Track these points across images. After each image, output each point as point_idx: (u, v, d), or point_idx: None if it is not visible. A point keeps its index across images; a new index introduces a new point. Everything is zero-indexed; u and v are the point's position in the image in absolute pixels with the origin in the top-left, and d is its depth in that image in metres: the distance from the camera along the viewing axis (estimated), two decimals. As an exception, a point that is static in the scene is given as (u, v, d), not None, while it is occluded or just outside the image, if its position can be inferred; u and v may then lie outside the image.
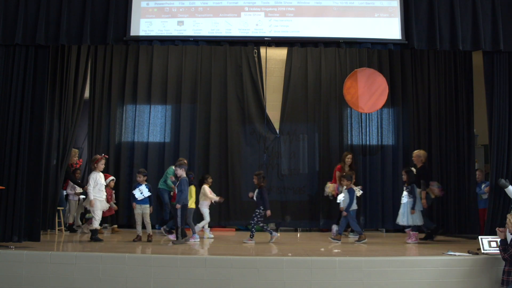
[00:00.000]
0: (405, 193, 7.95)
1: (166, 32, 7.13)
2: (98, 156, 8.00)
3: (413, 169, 8.17)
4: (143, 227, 7.79)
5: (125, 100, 10.35)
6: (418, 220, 7.85)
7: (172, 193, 8.67)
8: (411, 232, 7.87)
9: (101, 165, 7.87)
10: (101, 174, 7.86)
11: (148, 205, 7.71)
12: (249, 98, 10.40)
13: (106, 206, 7.91)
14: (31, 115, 6.85)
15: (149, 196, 7.74)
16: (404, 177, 8.08)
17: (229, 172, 10.14)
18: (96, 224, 7.62)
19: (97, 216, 7.63)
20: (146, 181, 7.96)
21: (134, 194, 7.72)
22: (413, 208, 7.78)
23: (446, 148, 9.05)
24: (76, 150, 9.33)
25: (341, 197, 8.13)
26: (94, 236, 7.54)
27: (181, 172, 7.58)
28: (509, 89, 7.09)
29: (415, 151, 8.68)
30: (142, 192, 7.65)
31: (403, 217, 7.88)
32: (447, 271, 5.91)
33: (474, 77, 8.55)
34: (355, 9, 7.15)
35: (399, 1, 7.09)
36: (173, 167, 8.98)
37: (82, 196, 8.89)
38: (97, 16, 6.94)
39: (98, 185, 7.71)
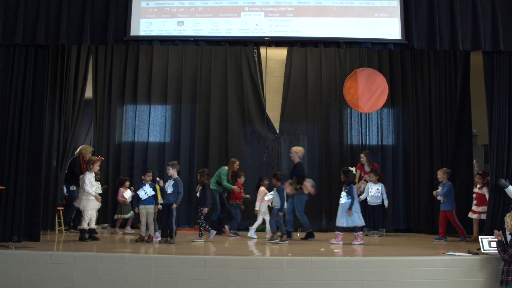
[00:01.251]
0: (343, 193, 7.75)
1: (166, 32, 7.12)
2: (95, 158, 8.05)
3: (352, 169, 8.02)
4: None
5: (125, 100, 10.36)
6: (358, 221, 7.65)
7: (226, 193, 8.97)
8: (356, 233, 7.65)
9: (97, 166, 7.93)
10: (93, 175, 7.89)
11: (152, 205, 7.68)
12: (249, 98, 10.41)
13: (97, 205, 7.90)
14: (31, 115, 6.84)
15: (153, 196, 7.71)
16: (342, 177, 7.92)
17: (229, 172, 10.15)
18: (84, 224, 7.62)
19: (87, 217, 7.64)
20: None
21: (138, 194, 7.67)
22: (349, 209, 7.60)
23: (446, 148, 9.06)
24: (91, 148, 9.19)
25: (269, 195, 7.93)
26: (82, 236, 7.55)
27: (173, 172, 7.57)
28: (509, 89, 7.08)
29: (293, 147, 8.73)
30: (146, 192, 7.63)
31: (341, 218, 7.66)
32: (447, 271, 5.91)
33: (473, 77, 8.56)
34: (355, 9, 7.15)
35: (399, 1, 7.08)
36: (226, 167, 9.15)
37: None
38: (97, 16, 6.94)
39: (93, 186, 7.76)
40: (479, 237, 6.44)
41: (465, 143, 8.70)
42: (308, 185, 8.20)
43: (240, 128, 10.40)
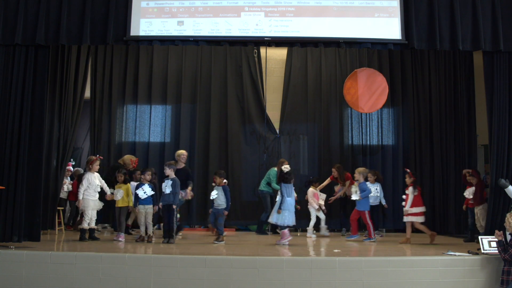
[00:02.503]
0: (279, 192, 7.70)
1: (166, 32, 7.12)
2: (93, 157, 8.04)
3: (287, 166, 7.87)
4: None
5: (126, 100, 10.38)
6: (286, 220, 7.52)
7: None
8: (281, 231, 7.58)
9: (96, 166, 7.89)
10: (96, 175, 7.87)
11: (151, 205, 7.67)
12: (249, 98, 10.42)
13: (99, 205, 7.89)
14: (31, 115, 6.84)
15: (152, 196, 7.70)
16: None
17: (229, 172, 10.14)
18: (85, 224, 7.64)
19: (87, 216, 7.64)
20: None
21: (137, 194, 7.64)
22: (280, 207, 7.52)
23: (446, 148, 9.06)
24: (135, 158, 9.08)
25: (214, 194, 7.81)
26: (82, 236, 7.56)
27: (170, 172, 7.57)
28: (509, 89, 7.08)
29: (178, 151, 8.74)
30: (145, 191, 7.62)
31: (272, 216, 7.62)
32: (447, 271, 5.91)
33: (474, 77, 8.55)
34: (355, 9, 7.15)
35: (399, 1, 7.08)
36: (275, 168, 9.27)
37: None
38: (97, 16, 6.94)
39: (93, 186, 7.72)
40: (479, 237, 6.43)
41: (467, 143, 8.67)
42: (188, 190, 8.29)
43: (240, 128, 10.41)
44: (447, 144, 9.03)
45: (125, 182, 7.96)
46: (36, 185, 6.82)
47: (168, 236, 7.43)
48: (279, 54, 10.53)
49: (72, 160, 9.98)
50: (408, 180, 8.01)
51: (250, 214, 9.94)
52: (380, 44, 7.20)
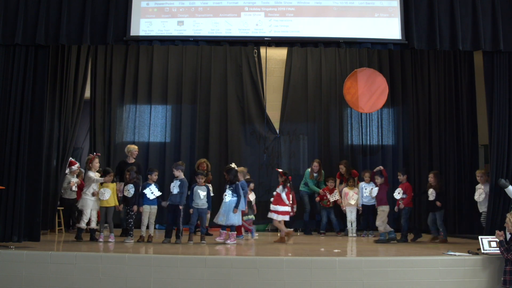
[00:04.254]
0: (228, 191, 7.52)
1: (166, 32, 7.13)
2: (91, 156, 8.02)
3: (232, 165, 7.79)
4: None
5: (125, 100, 10.37)
6: (236, 220, 7.48)
7: (317, 195, 9.31)
8: (230, 232, 7.46)
9: (96, 163, 7.86)
10: (95, 173, 7.82)
11: (156, 205, 7.68)
12: (249, 98, 10.42)
13: (98, 205, 7.86)
14: (31, 115, 6.84)
15: (158, 196, 7.66)
16: (226, 176, 7.69)
17: (229, 172, 10.13)
18: (82, 224, 7.64)
19: (85, 216, 7.63)
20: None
21: (145, 194, 7.60)
22: (236, 207, 7.42)
23: (445, 148, 9.05)
24: (203, 160, 8.98)
25: (202, 194, 7.61)
26: (78, 235, 7.58)
27: (178, 173, 7.57)
28: (509, 89, 7.08)
29: (130, 146, 8.67)
30: (153, 192, 7.61)
31: (222, 216, 7.44)
32: (447, 271, 5.91)
33: (475, 77, 8.55)
34: (355, 9, 7.15)
35: (399, 1, 7.09)
36: (309, 169, 9.44)
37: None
38: (97, 16, 6.94)
39: (91, 185, 7.69)
40: (479, 237, 6.42)
41: (468, 143, 8.66)
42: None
43: (240, 128, 10.41)
44: (447, 144, 9.02)
45: (113, 181, 7.91)
46: (36, 185, 6.82)
47: (169, 236, 7.43)
48: (279, 54, 10.53)
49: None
50: (280, 179, 8.02)
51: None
52: (380, 44, 7.20)
